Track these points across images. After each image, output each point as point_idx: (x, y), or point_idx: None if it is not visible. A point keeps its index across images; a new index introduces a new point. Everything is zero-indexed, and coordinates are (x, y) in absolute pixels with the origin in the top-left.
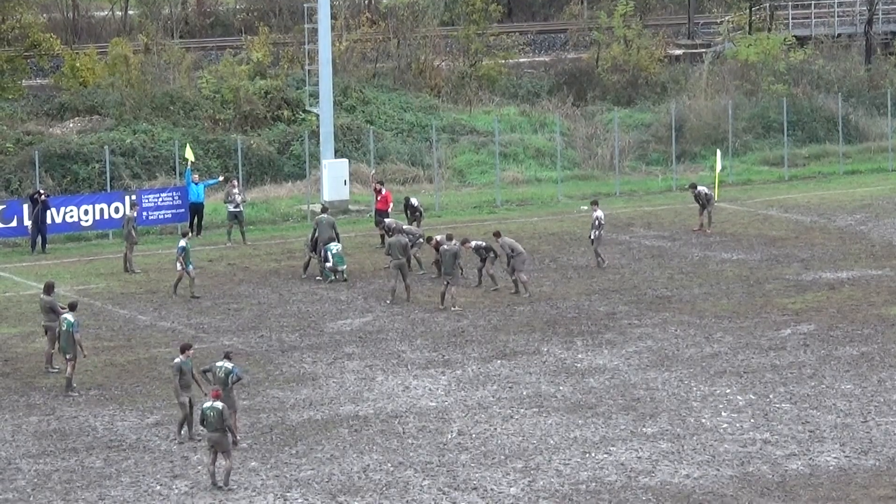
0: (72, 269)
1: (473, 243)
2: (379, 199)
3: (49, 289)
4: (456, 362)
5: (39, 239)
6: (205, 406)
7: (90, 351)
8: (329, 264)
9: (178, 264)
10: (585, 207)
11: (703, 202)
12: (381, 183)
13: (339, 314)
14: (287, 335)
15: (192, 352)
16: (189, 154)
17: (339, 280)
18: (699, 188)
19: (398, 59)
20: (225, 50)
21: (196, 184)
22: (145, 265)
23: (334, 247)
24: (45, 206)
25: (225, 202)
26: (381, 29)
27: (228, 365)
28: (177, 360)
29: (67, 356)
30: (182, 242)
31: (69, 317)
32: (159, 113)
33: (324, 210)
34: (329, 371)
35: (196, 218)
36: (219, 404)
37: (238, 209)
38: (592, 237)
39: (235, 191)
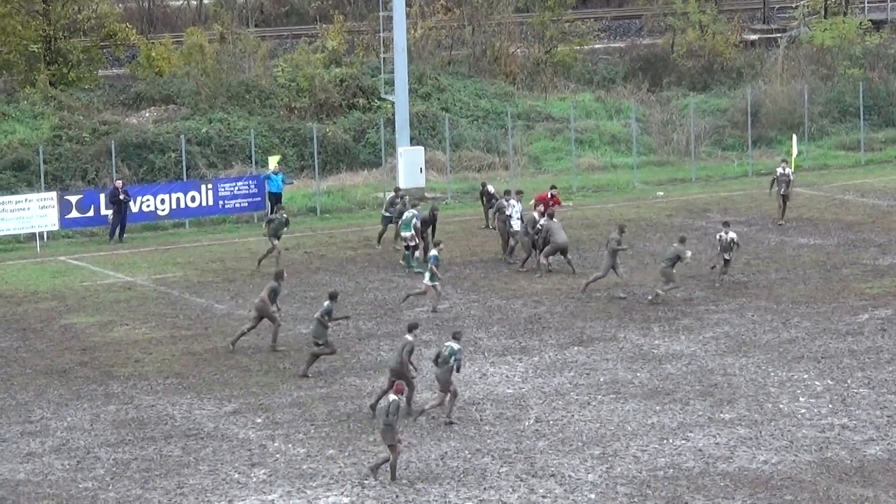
0: (149, 259)
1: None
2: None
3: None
4: (533, 349)
5: (118, 228)
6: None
7: (168, 340)
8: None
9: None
10: (662, 193)
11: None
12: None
13: (416, 301)
14: (364, 323)
15: (418, 331)
16: (273, 163)
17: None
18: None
19: (473, 46)
20: (300, 38)
21: (276, 174)
22: (222, 254)
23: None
24: (127, 200)
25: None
26: (455, 16)
27: (456, 346)
28: (408, 337)
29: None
30: (433, 252)
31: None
32: (235, 102)
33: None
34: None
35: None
36: (394, 397)
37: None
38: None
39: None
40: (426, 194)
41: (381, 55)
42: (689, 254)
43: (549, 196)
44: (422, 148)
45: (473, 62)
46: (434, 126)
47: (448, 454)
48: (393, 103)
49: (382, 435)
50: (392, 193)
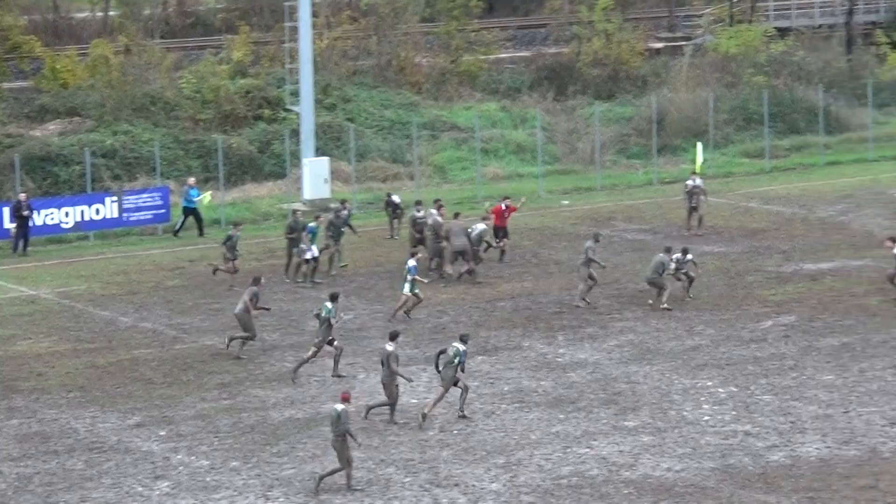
0: (52, 272)
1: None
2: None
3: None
4: None
5: (21, 242)
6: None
7: (71, 354)
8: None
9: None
10: (566, 202)
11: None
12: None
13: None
14: (268, 334)
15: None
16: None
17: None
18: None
19: (379, 56)
20: (206, 50)
21: (192, 187)
22: (126, 267)
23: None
24: (30, 214)
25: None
26: (361, 26)
27: (462, 347)
28: (388, 347)
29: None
30: (412, 262)
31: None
32: (140, 114)
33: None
34: (310, 369)
35: (192, 219)
36: (341, 406)
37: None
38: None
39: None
40: (331, 205)
41: (287, 66)
42: (672, 265)
43: (504, 207)
44: (327, 158)
45: (379, 72)
46: (339, 136)
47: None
48: (298, 114)
49: (334, 445)
50: (291, 217)
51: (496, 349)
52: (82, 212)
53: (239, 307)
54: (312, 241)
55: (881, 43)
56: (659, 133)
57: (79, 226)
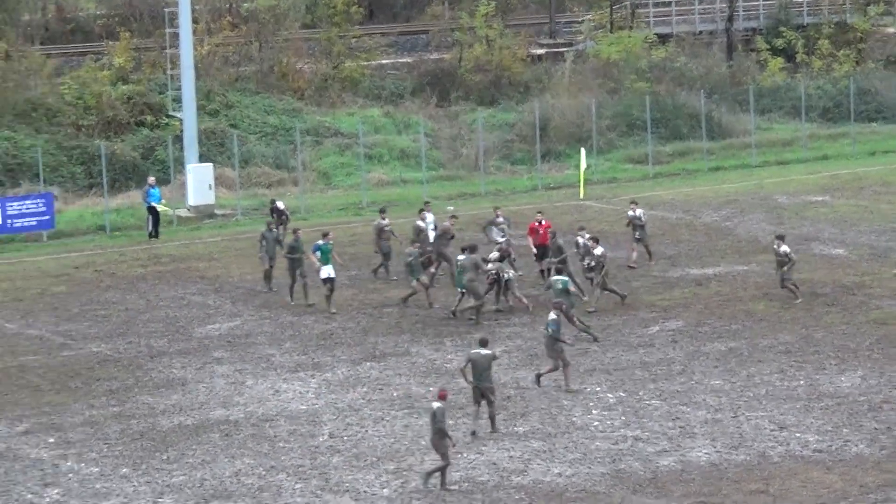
0: None
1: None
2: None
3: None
4: (325, 365)
5: None
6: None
7: None
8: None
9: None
10: (451, 207)
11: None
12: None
13: (208, 319)
14: (155, 340)
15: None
16: (162, 208)
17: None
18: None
19: (261, 62)
20: (86, 56)
21: (152, 186)
22: (10, 273)
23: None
24: None
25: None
26: (242, 32)
27: (553, 316)
28: (484, 351)
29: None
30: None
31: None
32: (21, 120)
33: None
34: (198, 376)
35: (154, 219)
36: (438, 404)
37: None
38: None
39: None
40: (216, 211)
41: (169, 72)
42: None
43: (539, 223)
44: (211, 165)
45: (261, 78)
46: (223, 143)
47: (242, 471)
48: (181, 120)
49: (433, 443)
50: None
51: (384, 355)
52: None
53: (468, 275)
54: (326, 261)
55: (761, 49)
56: (542, 139)
57: None
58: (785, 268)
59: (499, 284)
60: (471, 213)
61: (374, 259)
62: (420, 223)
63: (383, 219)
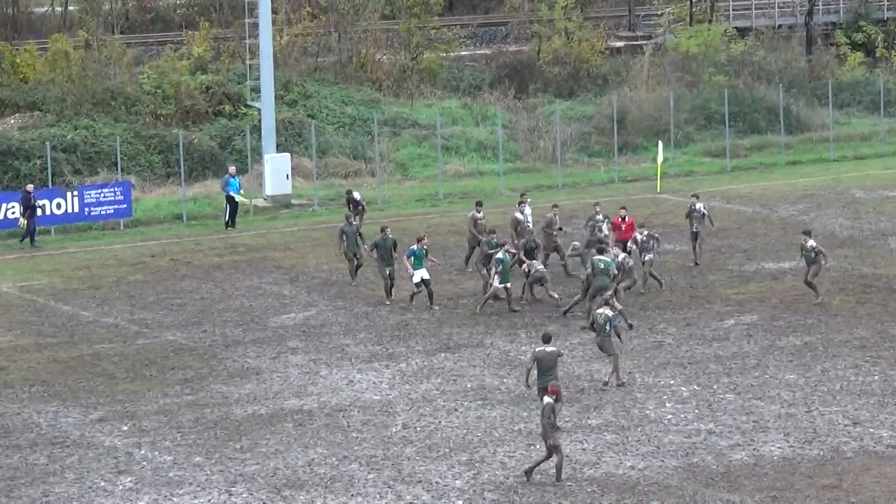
0: (14, 266)
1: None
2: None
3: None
4: (400, 355)
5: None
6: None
7: (33, 348)
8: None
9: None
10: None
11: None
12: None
13: (283, 308)
14: (230, 330)
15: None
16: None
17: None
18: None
19: (339, 53)
20: (166, 45)
21: (233, 176)
22: (87, 261)
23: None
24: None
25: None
26: (321, 23)
27: (610, 313)
28: (549, 348)
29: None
30: (499, 254)
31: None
32: (100, 108)
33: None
34: (273, 365)
35: (232, 209)
36: (548, 399)
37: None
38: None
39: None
40: (293, 201)
41: (247, 62)
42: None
43: (622, 219)
44: (288, 155)
45: (340, 69)
46: (300, 133)
47: (315, 461)
48: (259, 110)
49: (543, 436)
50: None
51: (458, 346)
52: (43, 206)
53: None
54: (419, 266)
55: (841, 43)
56: (620, 132)
57: (40, 220)
58: (824, 262)
59: (528, 278)
60: (548, 206)
61: (451, 251)
62: (518, 215)
63: (479, 211)
